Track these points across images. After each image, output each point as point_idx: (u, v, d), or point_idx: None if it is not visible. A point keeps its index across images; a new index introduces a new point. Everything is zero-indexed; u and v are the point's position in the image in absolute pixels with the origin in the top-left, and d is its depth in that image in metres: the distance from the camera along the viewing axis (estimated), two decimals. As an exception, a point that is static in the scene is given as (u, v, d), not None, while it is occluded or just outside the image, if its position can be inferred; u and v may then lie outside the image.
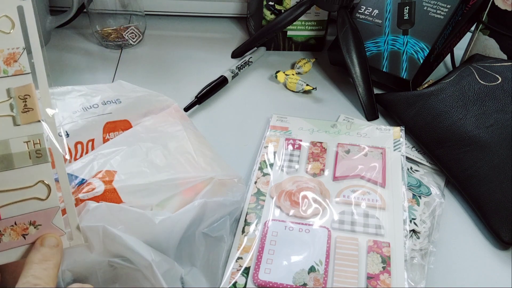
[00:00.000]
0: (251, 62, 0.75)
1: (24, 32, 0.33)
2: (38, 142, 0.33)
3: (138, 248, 0.37)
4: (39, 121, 0.33)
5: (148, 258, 0.37)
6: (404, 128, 0.60)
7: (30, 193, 0.33)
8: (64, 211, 0.34)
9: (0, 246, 0.33)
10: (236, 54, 0.78)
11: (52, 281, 0.31)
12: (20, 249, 0.33)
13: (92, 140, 0.46)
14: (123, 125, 0.49)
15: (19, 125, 0.32)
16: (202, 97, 0.66)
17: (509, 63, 0.62)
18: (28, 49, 0.33)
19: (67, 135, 0.44)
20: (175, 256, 0.41)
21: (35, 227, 0.33)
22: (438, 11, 0.68)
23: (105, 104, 0.48)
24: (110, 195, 0.40)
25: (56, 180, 0.34)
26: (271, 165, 0.55)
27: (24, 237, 0.33)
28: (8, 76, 0.33)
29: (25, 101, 0.33)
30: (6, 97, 0.32)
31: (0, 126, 0.32)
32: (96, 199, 0.39)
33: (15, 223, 0.33)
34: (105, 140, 0.47)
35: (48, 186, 0.33)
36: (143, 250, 0.37)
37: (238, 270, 0.44)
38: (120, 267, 0.37)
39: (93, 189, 0.39)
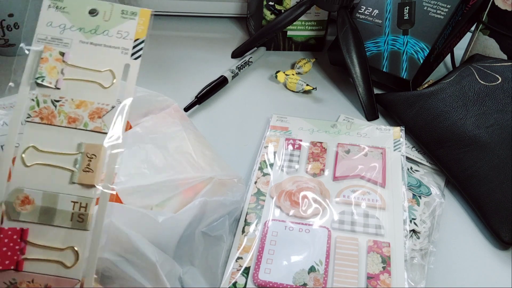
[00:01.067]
0: (251, 62, 0.75)
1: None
2: (85, 206, 0.31)
3: (143, 248, 0.37)
4: (94, 186, 0.32)
5: (152, 258, 0.37)
6: (404, 128, 0.60)
7: (58, 256, 0.31)
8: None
9: None
10: (236, 54, 0.78)
11: None
12: None
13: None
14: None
15: (74, 183, 0.31)
16: (202, 97, 0.66)
17: (509, 63, 0.62)
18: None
19: None
20: (174, 255, 0.41)
21: None
22: (438, 11, 0.68)
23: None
24: (111, 198, 0.40)
25: None
26: (271, 165, 0.55)
27: None
28: (86, 130, 0.32)
29: (90, 161, 0.32)
30: (75, 151, 0.32)
31: (57, 177, 0.31)
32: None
33: (33, 281, 0.31)
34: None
35: (77, 255, 0.32)
36: (148, 250, 0.37)
37: (238, 270, 0.44)
38: (122, 267, 0.37)
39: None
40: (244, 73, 0.74)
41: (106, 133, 0.32)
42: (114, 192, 0.36)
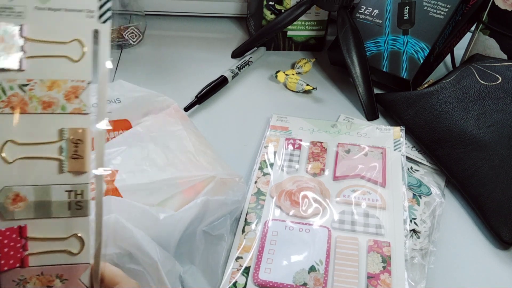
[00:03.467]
0: (251, 62, 0.75)
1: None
2: (81, 193, 0.29)
3: (146, 245, 0.37)
4: (86, 172, 0.29)
5: (154, 257, 0.37)
6: (404, 128, 0.60)
7: (63, 245, 0.30)
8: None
9: None
10: (236, 54, 0.77)
11: None
12: None
13: (92, 139, 0.46)
14: (123, 125, 0.49)
15: (64, 172, 0.29)
16: (202, 97, 0.66)
17: (509, 63, 0.62)
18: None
19: None
20: (175, 253, 0.41)
21: (61, 281, 0.31)
22: (438, 11, 0.68)
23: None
24: (112, 194, 0.40)
25: None
26: (271, 165, 0.55)
27: None
28: (65, 113, 0.28)
29: (76, 147, 0.29)
30: (57, 138, 0.29)
31: (44, 169, 0.29)
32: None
33: (42, 273, 0.30)
34: None
35: (82, 241, 0.30)
36: (150, 248, 0.37)
37: (238, 270, 0.44)
38: (125, 261, 0.37)
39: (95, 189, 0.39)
40: (244, 73, 0.74)
41: (87, 114, 0.29)
42: (109, 173, 0.34)
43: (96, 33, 0.28)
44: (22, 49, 0.28)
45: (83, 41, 0.28)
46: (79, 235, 0.30)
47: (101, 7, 0.28)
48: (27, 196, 0.29)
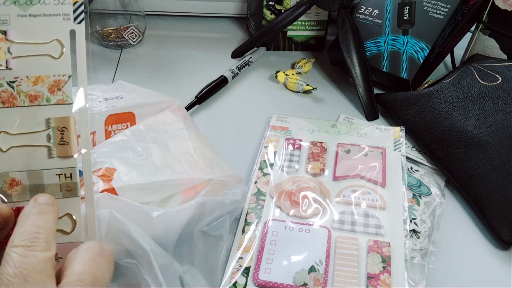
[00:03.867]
0: (251, 62, 0.75)
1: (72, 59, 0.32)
2: (70, 176, 0.32)
3: (139, 237, 0.37)
4: (72, 156, 0.32)
5: (146, 247, 0.37)
6: (404, 128, 0.60)
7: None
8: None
9: None
10: (236, 54, 0.78)
11: (52, 234, 0.30)
12: None
13: (93, 133, 0.46)
14: (127, 117, 0.49)
15: (53, 157, 0.32)
16: (202, 97, 0.66)
17: (509, 63, 0.62)
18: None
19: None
20: (174, 254, 0.41)
21: (56, 260, 0.32)
22: (438, 11, 0.68)
23: (108, 100, 0.48)
24: (110, 191, 0.40)
25: None
26: (271, 165, 0.55)
27: None
28: (50, 105, 0.32)
29: (62, 134, 0.32)
30: (45, 127, 0.32)
31: (36, 155, 0.32)
32: None
33: None
34: (106, 133, 0.47)
35: (74, 220, 0.33)
36: (143, 240, 0.37)
37: (238, 270, 0.44)
38: (120, 261, 0.38)
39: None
40: (244, 73, 0.74)
41: (70, 104, 0.32)
42: (94, 156, 0.37)
43: (73, 32, 0.32)
44: (8, 50, 0.32)
45: (62, 40, 0.32)
46: (71, 215, 0.33)
47: (75, 11, 0.32)
48: (22, 180, 0.32)
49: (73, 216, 0.33)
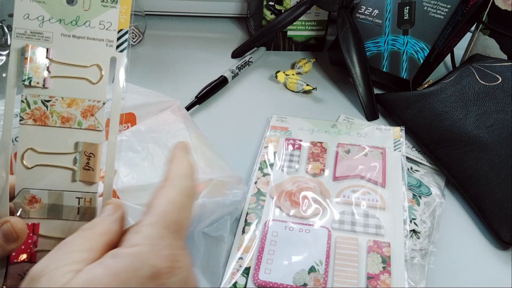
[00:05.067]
0: (251, 62, 0.75)
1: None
2: (89, 201, 0.33)
3: None
4: (95, 182, 0.32)
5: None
6: (404, 128, 0.60)
7: None
8: None
9: None
10: (236, 54, 0.78)
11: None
12: None
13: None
14: (128, 118, 0.49)
15: (76, 180, 0.32)
16: (202, 97, 0.66)
17: (509, 63, 0.62)
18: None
19: None
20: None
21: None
22: (438, 11, 0.68)
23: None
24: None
25: None
26: (271, 165, 0.55)
27: None
28: (81, 129, 0.32)
29: (89, 159, 0.32)
30: (73, 150, 0.32)
31: (60, 176, 0.32)
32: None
33: None
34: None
35: None
36: None
37: (238, 270, 0.44)
38: None
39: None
40: (244, 73, 0.74)
41: (101, 131, 0.32)
42: (115, 187, 0.37)
43: (113, 60, 0.32)
44: (47, 69, 0.31)
45: (102, 66, 0.32)
46: None
47: (118, 38, 0.32)
48: (42, 198, 0.32)
49: None
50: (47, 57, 0.31)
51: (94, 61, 0.32)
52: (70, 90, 0.32)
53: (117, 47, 0.32)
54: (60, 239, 0.32)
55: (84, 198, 0.32)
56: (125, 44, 0.32)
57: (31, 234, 0.32)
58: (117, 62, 0.32)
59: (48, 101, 0.32)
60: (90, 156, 0.32)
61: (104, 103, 0.32)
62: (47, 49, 0.31)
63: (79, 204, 0.32)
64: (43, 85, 0.31)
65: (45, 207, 0.32)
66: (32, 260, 0.32)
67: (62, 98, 0.32)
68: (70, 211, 0.32)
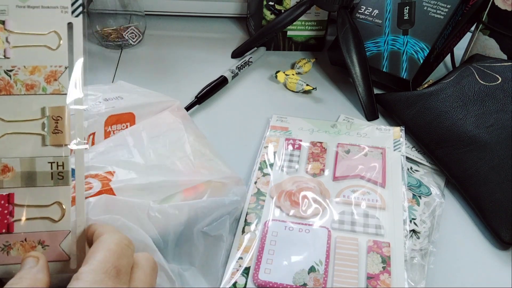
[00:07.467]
0: (251, 62, 0.75)
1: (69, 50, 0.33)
2: (62, 164, 0.33)
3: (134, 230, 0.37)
4: (66, 144, 0.33)
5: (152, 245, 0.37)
6: (404, 128, 0.60)
7: (45, 212, 0.33)
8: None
9: (6, 259, 0.33)
10: (236, 54, 0.78)
11: None
12: None
13: (93, 134, 0.46)
14: (127, 118, 0.49)
15: (47, 145, 0.33)
16: (202, 97, 0.66)
17: (509, 63, 0.62)
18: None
19: None
20: (174, 254, 0.41)
21: (43, 247, 0.33)
22: (438, 11, 0.68)
23: (108, 100, 0.48)
24: (107, 192, 0.40)
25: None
26: (271, 165, 0.55)
27: None
28: (46, 94, 0.33)
29: (57, 123, 0.33)
30: (40, 115, 0.33)
31: (30, 143, 0.33)
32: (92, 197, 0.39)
33: (25, 240, 0.33)
34: (106, 133, 0.47)
35: (62, 208, 0.33)
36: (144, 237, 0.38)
37: (238, 270, 0.44)
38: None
39: (90, 188, 0.39)
40: (244, 73, 0.74)
41: (65, 94, 0.33)
42: (86, 147, 0.38)
43: (70, 25, 0.33)
44: (6, 40, 0.32)
45: (59, 32, 0.33)
46: (60, 203, 0.33)
47: (73, 4, 0.33)
48: (14, 167, 0.33)
49: (63, 205, 0.33)
50: (5, 29, 0.32)
51: (51, 28, 0.33)
52: (31, 58, 0.33)
53: (72, 12, 0.33)
54: (36, 207, 0.33)
55: (57, 162, 0.33)
56: (80, 9, 0.33)
57: (6, 205, 0.32)
58: (74, 27, 0.33)
59: (10, 70, 0.32)
60: (58, 120, 0.33)
61: (66, 67, 0.33)
62: (4, 21, 0.32)
63: (51, 169, 0.33)
64: (4, 56, 0.32)
65: (18, 175, 0.33)
66: (10, 230, 0.33)
67: (24, 66, 0.32)
68: (44, 177, 0.33)
